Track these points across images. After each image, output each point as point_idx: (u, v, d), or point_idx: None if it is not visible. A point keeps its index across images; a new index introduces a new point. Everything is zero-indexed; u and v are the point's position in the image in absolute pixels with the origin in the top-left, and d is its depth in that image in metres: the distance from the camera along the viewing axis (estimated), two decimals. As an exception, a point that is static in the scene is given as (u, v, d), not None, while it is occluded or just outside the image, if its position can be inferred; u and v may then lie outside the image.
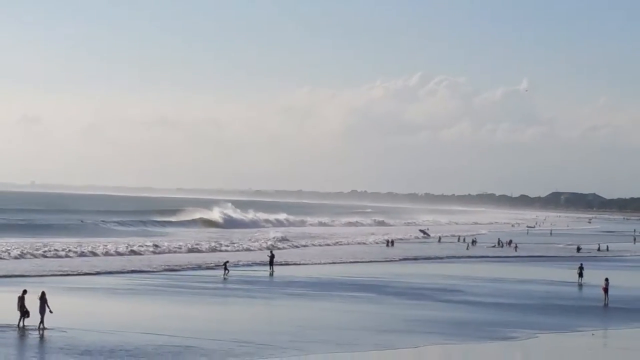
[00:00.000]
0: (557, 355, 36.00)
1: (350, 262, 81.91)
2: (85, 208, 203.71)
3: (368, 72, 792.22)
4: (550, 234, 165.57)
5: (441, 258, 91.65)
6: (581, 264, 67.58)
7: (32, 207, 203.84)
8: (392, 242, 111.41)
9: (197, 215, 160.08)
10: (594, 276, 63.64)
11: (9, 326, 36.59)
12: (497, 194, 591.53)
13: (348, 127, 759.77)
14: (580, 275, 65.23)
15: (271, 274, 66.80)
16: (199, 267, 69.86)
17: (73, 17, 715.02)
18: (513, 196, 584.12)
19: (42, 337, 35.06)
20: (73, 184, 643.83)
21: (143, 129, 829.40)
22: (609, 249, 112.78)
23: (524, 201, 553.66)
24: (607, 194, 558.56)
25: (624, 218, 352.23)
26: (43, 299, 36.66)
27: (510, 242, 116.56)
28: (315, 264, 78.77)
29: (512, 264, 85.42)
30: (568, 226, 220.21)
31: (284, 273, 67.47)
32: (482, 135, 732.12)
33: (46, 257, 73.35)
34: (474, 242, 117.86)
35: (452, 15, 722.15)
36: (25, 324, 36.50)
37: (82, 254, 77.04)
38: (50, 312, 36.56)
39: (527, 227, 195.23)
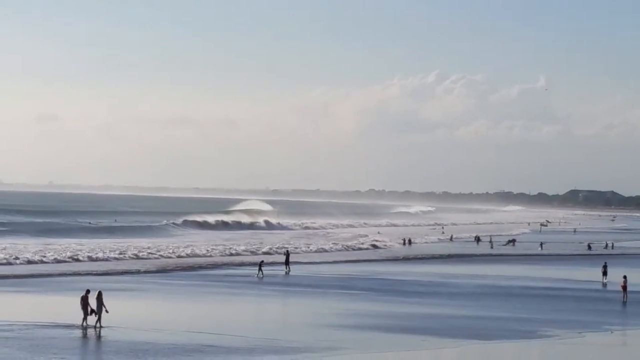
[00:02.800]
0: (575, 353, 36.53)
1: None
2: (134, 209, 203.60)
3: (385, 71, 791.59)
4: (574, 232, 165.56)
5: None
6: (605, 263, 67.17)
7: (79, 209, 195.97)
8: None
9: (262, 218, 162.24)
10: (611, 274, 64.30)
11: (74, 325, 37.96)
12: (514, 192, 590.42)
13: (364, 126, 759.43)
14: (605, 274, 64.83)
15: (287, 273, 68.11)
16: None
17: (87, 15, 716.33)
18: (531, 194, 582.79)
19: (99, 335, 36.48)
20: (90, 183, 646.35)
21: (158, 128, 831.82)
22: (614, 246, 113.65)
23: (543, 199, 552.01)
24: (625, 192, 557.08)
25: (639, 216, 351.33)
26: (100, 299, 38.04)
27: (513, 242, 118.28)
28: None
29: (535, 264, 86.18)
30: (580, 224, 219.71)
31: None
32: (499, 133, 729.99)
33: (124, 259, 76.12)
34: (542, 244, 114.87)
35: (469, 13, 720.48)
36: (88, 322, 37.86)
37: (179, 256, 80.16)
38: (107, 311, 37.94)
39: (541, 225, 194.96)
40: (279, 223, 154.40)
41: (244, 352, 33.49)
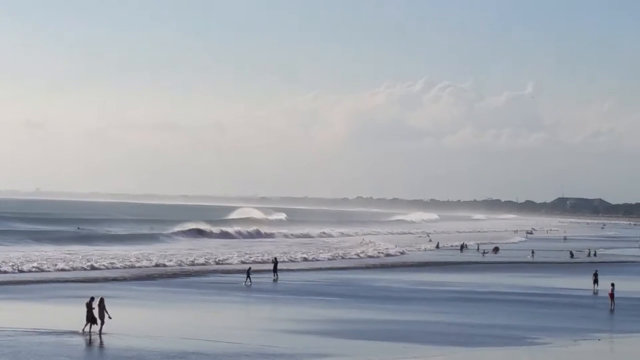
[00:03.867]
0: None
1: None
2: (123, 216, 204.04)
3: (373, 78, 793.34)
4: (564, 239, 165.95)
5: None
6: (596, 271, 66.94)
7: (85, 216, 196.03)
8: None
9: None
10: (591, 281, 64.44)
11: (73, 332, 38.12)
12: (502, 200, 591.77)
13: (352, 133, 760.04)
14: (596, 282, 64.63)
15: (275, 280, 68.15)
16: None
17: (76, 20, 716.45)
18: (519, 202, 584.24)
19: (101, 342, 36.49)
20: (78, 190, 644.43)
21: (147, 134, 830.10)
22: (597, 254, 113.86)
23: (530, 207, 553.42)
24: (613, 200, 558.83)
25: (629, 223, 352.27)
26: (101, 305, 38.03)
27: (496, 250, 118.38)
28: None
29: (527, 271, 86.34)
30: (565, 232, 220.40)
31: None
32: (486, 140, 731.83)
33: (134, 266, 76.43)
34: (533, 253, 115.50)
35: (457, 21, 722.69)
36: (89, 329, 37.96)
37: (165, 265, 79.43)
38: (109, 317, 38.03)
39: (526, 232, 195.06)
40: (268, 233, 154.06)
41: (229, 357, 33.38)
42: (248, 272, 66.05)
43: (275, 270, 70.53)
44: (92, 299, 38.61)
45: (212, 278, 69.13)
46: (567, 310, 53.04)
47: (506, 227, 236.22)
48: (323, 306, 52.19)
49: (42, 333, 37.93)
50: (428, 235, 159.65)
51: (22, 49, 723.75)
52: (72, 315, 41.81)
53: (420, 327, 44.03)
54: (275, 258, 78.42)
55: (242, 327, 43.57)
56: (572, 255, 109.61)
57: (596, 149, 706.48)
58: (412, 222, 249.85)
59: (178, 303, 52.04)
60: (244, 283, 64.21)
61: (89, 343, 36.47)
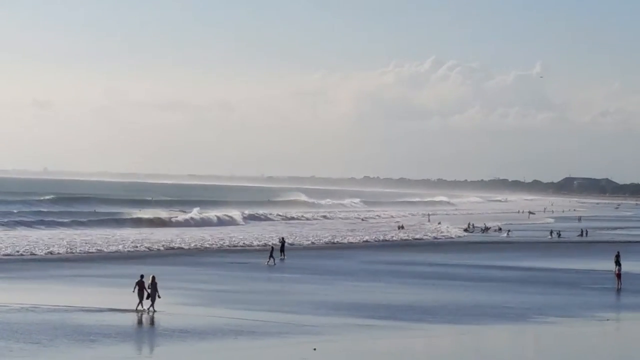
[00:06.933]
0: (567, 340, 37.00)
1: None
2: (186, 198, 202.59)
3: (382, 56, 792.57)
4: (579, 220, 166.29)
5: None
6: (618, 252, 60.77)
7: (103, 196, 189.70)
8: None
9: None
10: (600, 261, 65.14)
11: (128, 310, 39.32)
12: (509, 180, 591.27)
13: (359, 112, 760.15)
14: (617, 263, 58.93)
15: (282, 260, 68.13)
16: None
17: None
18: (526, 181, 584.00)
19: (152, 320, 37.72)
20: (86, 170, 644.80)
21: (153, 113, 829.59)
22: (589, 234, 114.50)
23: (538, 186, 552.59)
24: (620, 179, 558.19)
25: (636, 203, 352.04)
26: (154, 284, 39.10)
27: (487, 229, 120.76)
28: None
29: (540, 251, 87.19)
30: (574, 211, 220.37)
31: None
32: (494, 120, 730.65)
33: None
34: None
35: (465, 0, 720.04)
36: (143, 307, 39.06)
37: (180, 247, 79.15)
38: (159, 296, 39.11)
39: (529, 212, 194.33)
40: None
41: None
42: (271, 253, 66.80)
43: (282, 250, 70.93)
44: (143, 276, 39.59)
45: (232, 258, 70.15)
46: (578, 290, 53.64)
47: (523, 207, 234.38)
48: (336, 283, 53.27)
49: (91, 311, 39.31)
50: (428, 216, 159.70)
51: (28, 27, 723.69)
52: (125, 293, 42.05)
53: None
54: (283, 238, 78.59)
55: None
56: (559, 235, 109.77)
57: (604, 128, 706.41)
58: (450, 204, 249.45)
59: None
60: (266, 263, 65.05)
61: (149, 320, 37.66)
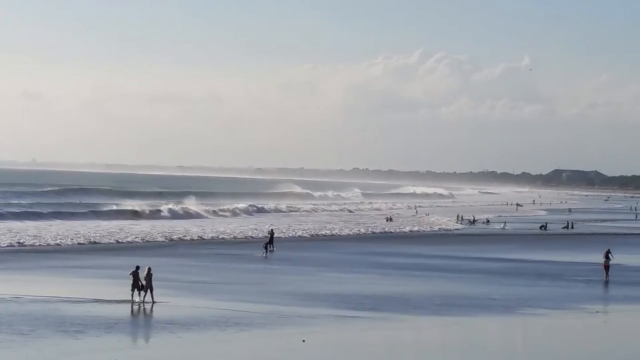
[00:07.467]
0: (560, 333, 36.87)
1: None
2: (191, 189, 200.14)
3: (370, 49, 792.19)
4: (569, 211, 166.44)
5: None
6: (608, 249, 59.43)
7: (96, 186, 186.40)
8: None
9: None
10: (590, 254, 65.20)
11: (113, 301, 39.47)
12: (498, 172, 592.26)
13: (348, 104, 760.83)
14: (607, 257, 58.12)
15: (271, 252, 67.26)
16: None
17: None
18: (514, 173, 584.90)
19: (151, 310, 37.85)
20: (75, 161, 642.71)
21: (143, 105, 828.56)
22: (574, 226, 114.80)
23: (526, 178, 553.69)
24: (609, 172, 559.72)
25: (624, 196, 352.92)
26: (149, 275, 39.06)
27: (474, 221, 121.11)
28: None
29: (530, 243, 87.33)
30: (564, 203, 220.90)
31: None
32: (482, 112, 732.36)
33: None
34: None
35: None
36: (133, 298, 39.06)
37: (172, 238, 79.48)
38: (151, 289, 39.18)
39: (517, 204, 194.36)
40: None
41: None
42: (267, 244, 67.13)
43: (271, 242, 70.31)
44: (138, 267, 39.55)
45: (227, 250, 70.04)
46: (565, 283, 53.76)
47: (511, 199, 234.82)
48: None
49: (85, 302, 39.27)
50: (415, 208, 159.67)
51: (19, 20, 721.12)
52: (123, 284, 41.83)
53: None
54: (272, 230, 78.28)
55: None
56: (545, 227, 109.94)
57: (592, 120, 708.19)
58: (450, 197, 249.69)
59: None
60: (262, 254, 64.99)
61: (138, 312, 37.66)
